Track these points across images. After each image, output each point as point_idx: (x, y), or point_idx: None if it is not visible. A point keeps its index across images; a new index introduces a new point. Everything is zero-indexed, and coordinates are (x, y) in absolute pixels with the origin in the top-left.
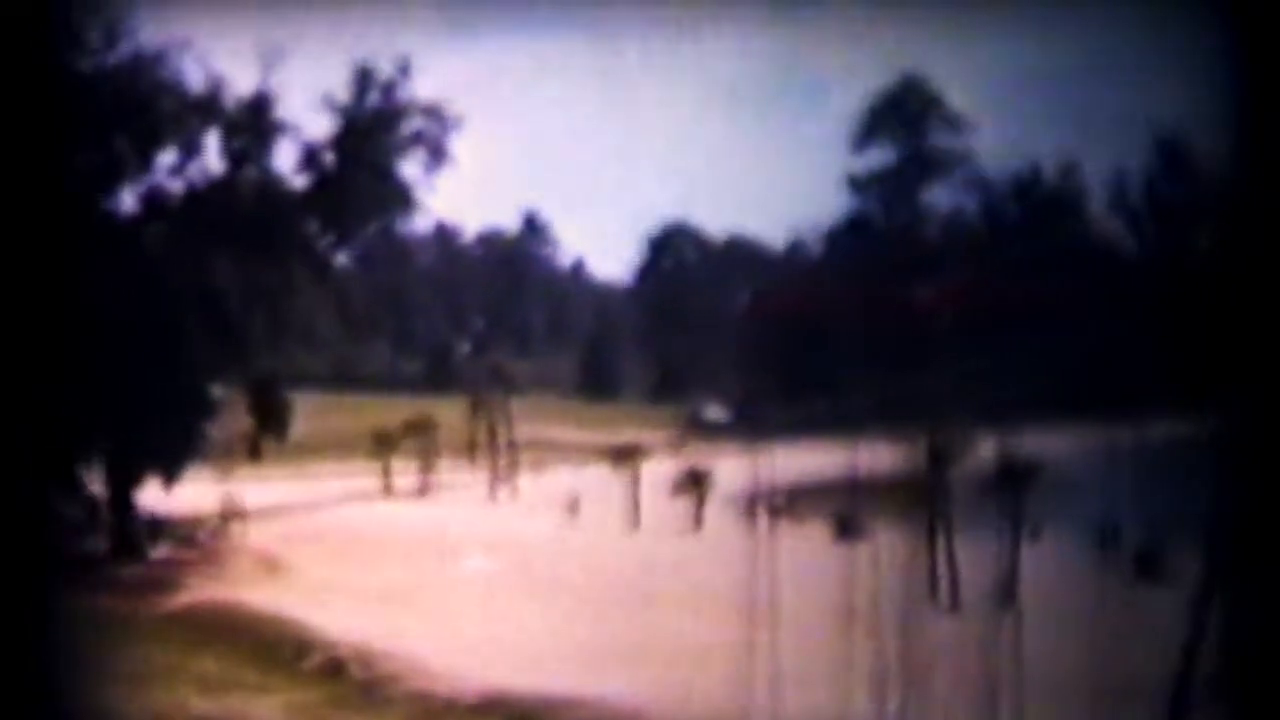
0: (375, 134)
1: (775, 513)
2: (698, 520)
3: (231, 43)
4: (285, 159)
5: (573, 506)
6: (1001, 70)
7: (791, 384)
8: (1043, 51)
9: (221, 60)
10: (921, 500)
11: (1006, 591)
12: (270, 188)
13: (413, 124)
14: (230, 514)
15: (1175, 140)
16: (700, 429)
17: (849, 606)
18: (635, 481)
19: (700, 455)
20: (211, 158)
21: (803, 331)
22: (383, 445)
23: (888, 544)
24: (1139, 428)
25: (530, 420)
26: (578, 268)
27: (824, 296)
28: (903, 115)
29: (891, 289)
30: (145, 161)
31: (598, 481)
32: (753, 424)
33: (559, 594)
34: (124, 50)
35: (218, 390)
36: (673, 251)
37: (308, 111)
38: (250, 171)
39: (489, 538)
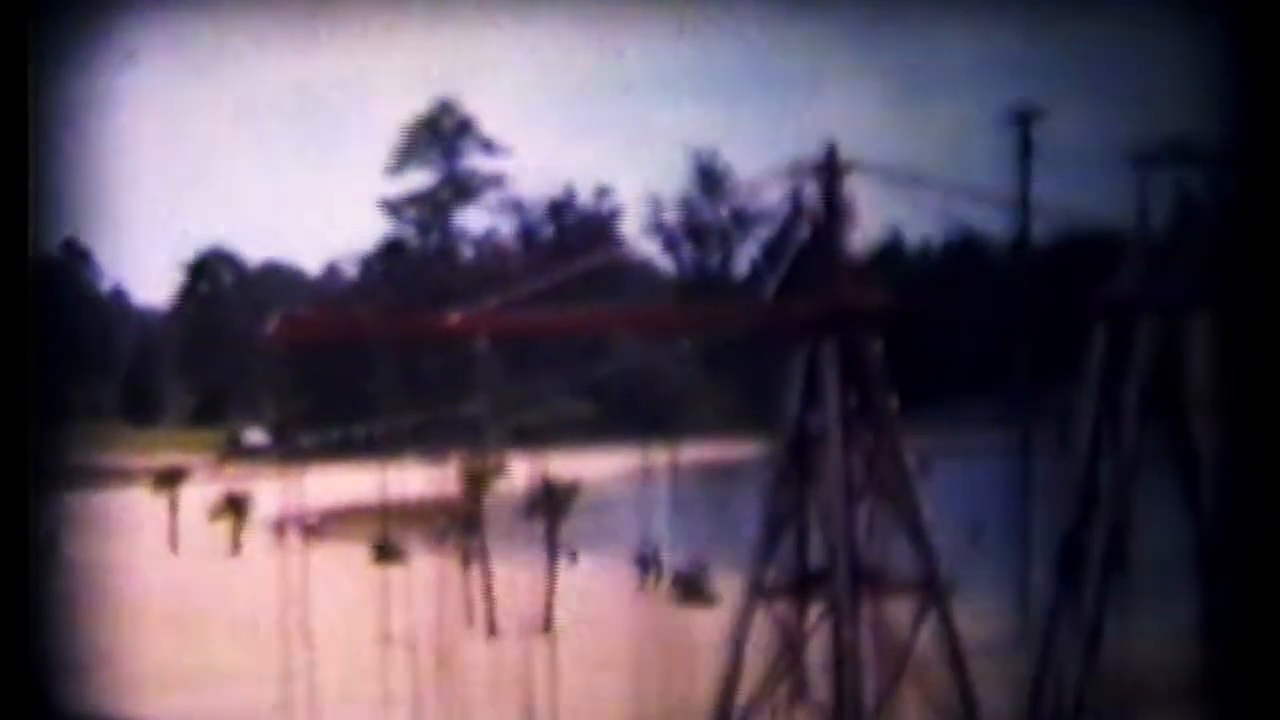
0: None
1: (312, 536)
2: (236, 544)
3: None
4: None
5: None
6: (539, 88)
7: (327, 408)
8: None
9: None
10: (457, 524)
11: (544, 615)
12: None
13: None
14: None
15: (711, 162)
16: (240, 453)
17: (386, 630)
18: (174, 505)
19: (240, 479)
20: None
21: (336, 356)
22: None
23: (425, 568)
24: (675, 450)
25: (74, 445)
26: (118, 293)
27: (354, 321)
28: (437, 138)
29: (425, 312)
30: None
31: (139, 505)
32: (290, 448)
33: (98, 617)
34: None
35: None
36: (209, 277)
37: None
38: None
39: None
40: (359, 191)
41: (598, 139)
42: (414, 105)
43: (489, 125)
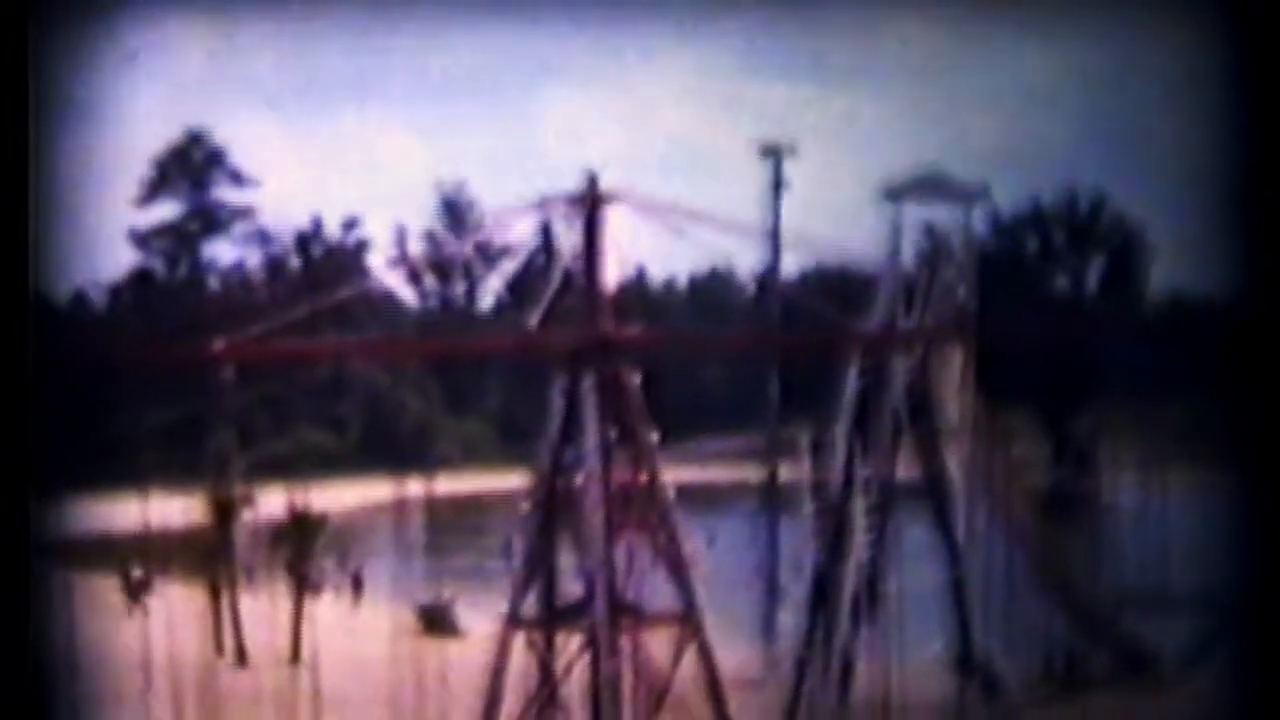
0: None
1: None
2: None
3: None
4: None
5: None
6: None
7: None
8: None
9: None
10: (206, 555)
11: (292, 646)
12: None
13: None
14: None
15: (457, 197)
16: None
17: (146, 662)
18: None
19: None
20: None
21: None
22: None
23: (178, 599)
24: (430, 479)
25: None
26: None
27: (106, 350)
28: (187, 170)
29: (177, 342)
30: None
31: None
32: None
33: None
34: None
35: None
36: None
37: None
38: None
39: None
40: (108, 220)
41: (347, 169)
42: (167, 135)
43: (238, 156)
